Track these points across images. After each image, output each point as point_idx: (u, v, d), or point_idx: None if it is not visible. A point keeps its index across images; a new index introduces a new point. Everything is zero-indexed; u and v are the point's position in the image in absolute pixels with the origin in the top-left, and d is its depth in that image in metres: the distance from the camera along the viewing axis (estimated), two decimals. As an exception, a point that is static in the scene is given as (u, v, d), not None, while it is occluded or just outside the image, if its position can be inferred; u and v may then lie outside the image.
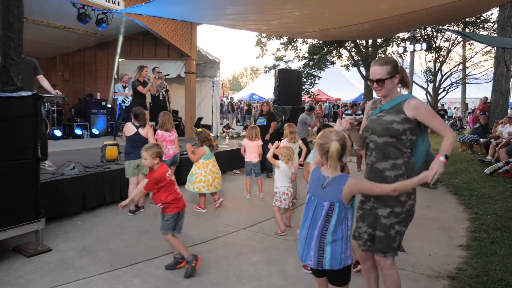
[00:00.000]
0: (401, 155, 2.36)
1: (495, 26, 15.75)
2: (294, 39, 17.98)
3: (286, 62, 18.52)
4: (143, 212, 5.12)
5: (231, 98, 25.69)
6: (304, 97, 20.69)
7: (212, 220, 4.90)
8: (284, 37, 17.87)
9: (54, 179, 4.67)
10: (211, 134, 5.42)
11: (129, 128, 4.94)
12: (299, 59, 18.64)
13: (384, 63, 2.40)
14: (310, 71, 18.37)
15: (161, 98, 8.09)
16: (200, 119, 9.94)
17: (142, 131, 4.95)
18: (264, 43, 18.04)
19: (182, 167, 6.30)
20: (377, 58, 2.76)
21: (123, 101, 9.17)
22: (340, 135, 2.17)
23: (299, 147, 5.89)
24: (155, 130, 5.62)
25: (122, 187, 5.39)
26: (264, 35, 17.69)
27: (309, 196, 2.27)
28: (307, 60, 18.46)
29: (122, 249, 3.89)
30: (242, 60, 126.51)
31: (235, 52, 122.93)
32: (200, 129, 5.48)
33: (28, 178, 3.62)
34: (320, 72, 18.53)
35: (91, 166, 5.41)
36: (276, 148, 4.67)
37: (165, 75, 8.09)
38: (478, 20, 17.22)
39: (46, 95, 5.03)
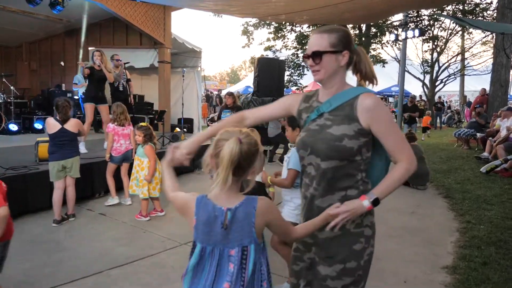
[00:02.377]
0: (355, 183, 1.54)
1: (495, 14, 14.88)
2: (283, 26, 17.01)
3: (274, 52, 17.61)
4: (73, 221, 4.34)
5: (219, 91, 24.81)
6: (293, 90, 19.81)
7: (151, 233, 4.09)
8: (272, 26, 16.93)
9: (-43, 184, 3.86)
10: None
11: (51, 124, 4.12)
12: (286, 49, 17.71)
13: (327, 30, 1.54)
14: (299, 61, 17.45)
15: (121, 89, 7.21)
16: (163, 112, 9.10)
17: (68, 126, 4.14)
18: (250, 32, 17.10)
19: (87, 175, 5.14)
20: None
21: (84, 94, 8.33)
22: (250, 138, 1.37)
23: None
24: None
25: (52, 192, 4.56)
26: (251, 23, 16.76)
27: (199, 247, 1.38)
28: (295, 49, 17.53)
29: (19, 275, 3.09)
30: (241, 53, 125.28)
31: (234, 45, 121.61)
32: (144, 123, 4.70)
33: None
34: (310, 63, 17.59)
35: (15, 167, 4.62)
36: None
37: (125, 63, 7.23)
38: (477, 8, 16.35)
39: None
